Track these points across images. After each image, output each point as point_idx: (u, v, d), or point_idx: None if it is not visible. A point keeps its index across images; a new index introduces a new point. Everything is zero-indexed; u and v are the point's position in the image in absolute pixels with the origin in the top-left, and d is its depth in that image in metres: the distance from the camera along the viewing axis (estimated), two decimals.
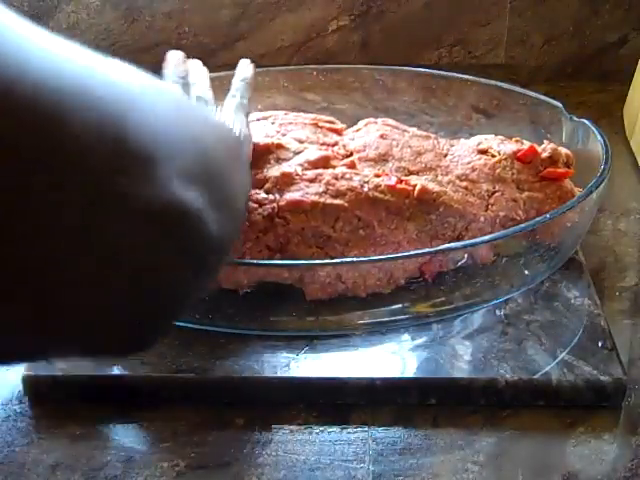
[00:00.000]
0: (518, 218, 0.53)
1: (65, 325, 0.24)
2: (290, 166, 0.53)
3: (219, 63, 0.86)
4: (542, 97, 0.64)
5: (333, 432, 0.46)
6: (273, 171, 0.52)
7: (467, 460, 0.44)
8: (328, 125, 0.59)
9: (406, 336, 0.50)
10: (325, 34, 0.87)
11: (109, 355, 0.28)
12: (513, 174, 0.55)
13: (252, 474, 0.43)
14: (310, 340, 0.50)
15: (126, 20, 0.87)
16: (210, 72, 0.62)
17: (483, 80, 0.67)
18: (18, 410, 0.48)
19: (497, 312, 0.51)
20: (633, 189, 0.67)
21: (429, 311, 0.50)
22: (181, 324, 0.47)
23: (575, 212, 0.50)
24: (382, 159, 0.55)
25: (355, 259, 0.49)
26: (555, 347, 0.48)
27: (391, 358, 0.49)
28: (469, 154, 0.56)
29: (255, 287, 0.50)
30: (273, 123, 0.58)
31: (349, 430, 0.46)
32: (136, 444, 0.45)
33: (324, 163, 0.54)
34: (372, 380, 0.47)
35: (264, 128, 0.57)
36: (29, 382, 0.48)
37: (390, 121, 0.60)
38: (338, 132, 0.59)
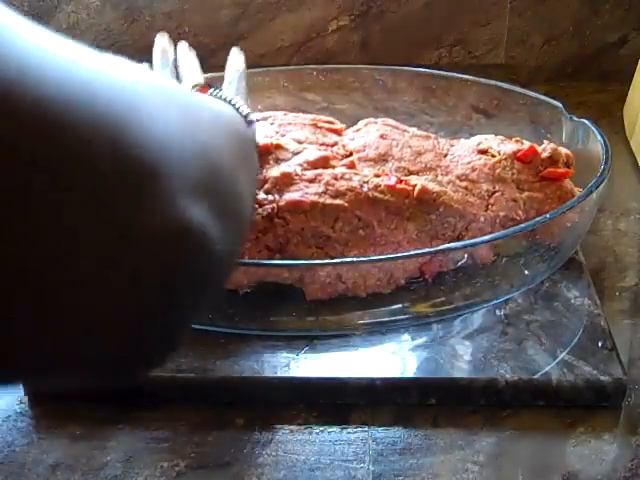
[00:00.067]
0: (518, 218, 0.53)
1: (65, 325, 0.24)
2: (289, 166, 0.53)
3: (219, 63, 0.86)
4: (542, 97, 0.64)
5: (333, 432, 0.46)
6: (272, 171, 0.52)
7: (467, 460, 0.44)
8: (327, 125, 0.59)
9: (406, 336, 0.50)
10: (325, 34, 0.87)
11: (111, 367, 0.28)
12: (513, 174, 0.55)
13: (252, 474, 0.43)
14: (310, 340, 0.50)
15: (126, 20, 0.87)
16: (210, 72, 0.62)
17: (483, 80, 0.67)
18: (18, 410, 0.48)
19: (497, 312, 0.51)
20: (633, 189, 0.67)
21: (429, 311, 0.50)
22: None
23: (575, 212, 0.50)
24: (382, 159, 0.55)
25: (355, 259, 0.49)
26: (555, 347, 0.48)
27: (391, 358, 0.49)
28: (469, 154, 0.56)
29: (255, 287, 0.50)
30: (272, 124, 0.58)
31: (349, 430, 0.46)
32: (136, 444, 0.45)
33: (323, 163, 0.54)
34: (372, 380, 0.47)
35: (263, 129, 0.57)
36: (29, 384, 0.48)
37: (390, 121, 0.60)
38: (338, 132, 0.59)
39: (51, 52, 0.24)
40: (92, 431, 0.46)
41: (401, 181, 0.53)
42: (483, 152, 0.56)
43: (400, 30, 0.87)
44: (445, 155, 0.57)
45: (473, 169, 0.55)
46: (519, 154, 0.56)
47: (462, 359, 0.48)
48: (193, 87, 0.48)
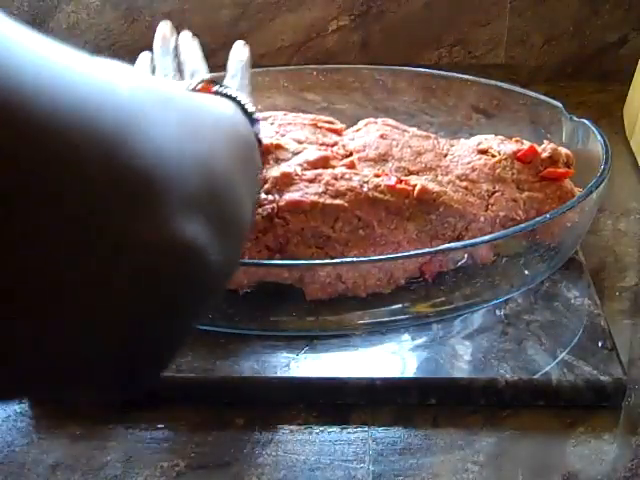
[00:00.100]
0: (518, 218, 0.53)
1: (65, 325, 0.24)
2: (289, 166, 0.53)
3: (219, 63, 0.86)
4: (542, 97, 0.64)
5: (333, 432, 0.46)
6: (272, 171, 0.52)
7: (467, 460, 0.44)
8: (327, 125, 0.59)
9: (406, 336, 0.50)
10: (325, 34, 0.87)
11: (112, 369, 0.27)
12: (513, 174, 0.55)
13: (252, 474, 0.43)
14: (310, 340, 0.50)
15: (126, 20, 0.87)
16: (210, 72, 0.62)
17: (483, 80, 0.67)
18: (18, 410, 0.48)
19: (497, 312, 0.51)
20: (633, 189, 0.67)
21: (429, 311, 0.50)
22: None
23: (575, 212, 0.50)
24: (382, 159, 0.55)
25: (355, 259, 0.49)
26: (555, 347, 0.48)
27: (391, 358, 0.49)
28: (469, 154, 0.56)
29: (255, 287, 0.50)
30: (272, 124, 0.58)
31: (349, 430, 0.46)
32: (136, 444, 0.45)
33: (323, 163, 0.54)
34: (372, 380, 0.47)
35: (263, 129, 0.57)
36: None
37: (390, 121, 0.60)
38: (337, 132, 0.59)
39: (49, 60, 0.23)
40: (92, 431, 0.46)
41: (401, 181, 0.53)
42: (483, 152, 0.56)
43: (400, 30, 0.87)
44: (445, 155, 0.57)
45: (473, 169, 0.55)
46: (519, 154, 0.56)
47: (462, 359, 0.48)
48: (197, 84, 0.47)
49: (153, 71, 0.56)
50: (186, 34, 0.57)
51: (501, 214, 0.52)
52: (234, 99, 0.45)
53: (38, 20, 0.86)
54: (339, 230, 0.50)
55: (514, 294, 0.52)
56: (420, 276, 0.50)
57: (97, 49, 0.87)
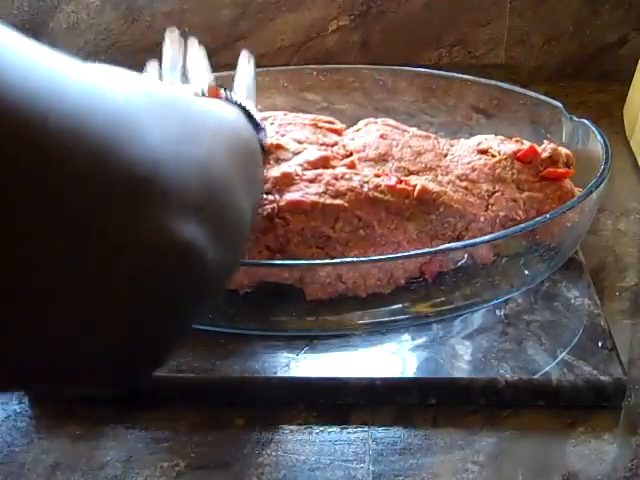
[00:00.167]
0: (518, 218, 0.53)
1: (65, 325, 0.24)
2: (290, 166, 0.53)
3: (219, 63, 0.86)
4: (542, 97, 0.64)
5: (333, 432, 0.46)
6: (273, 171, 0.52)
7: (467, 460, 0.44)
8: (328, 125, 0.59)
9: (406, 336, 0.50)
10: (325, 34, 0.87)
11: (111, 368, 0.28)
12: (513, 174, 0.55)
13: (252, 474, 0.43)
14: (310, 340, 0.50)
15: (126, 20, 0.87)
16: (211, 72, 0.62)
17: (483, 80, 0.67)
18: (18, 410, 0.48)
19: (497, 312, 0.51)
20: (633, 189, 0.67)
21: (429, 311, 0.50)
22: None
23: (575, 212, 0.50)
24: (382, 159, 0.55)
25: (355, 259, 0.49)
26: (555, 347, 0.48)
27: (391, 358, 0.49)
28: (469, 154, 0.56)
29: (255, 287, 0.50)
30: (272, 124, 0.58)
31: (349, 430, 0.46)
32: (136, 444, 0.45)
33: (324, 163, 0.54)
34: (372, 380, 0.47)
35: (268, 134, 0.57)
36: (30, 392, 0.48)
37: (390, 121, 0.60)
38: (338, 132, 0.59)
39: (40, 64, 0.24)
40: (92, 431, 0.46)
41: (401, 181, 0.53)
42: (483, 152, 0.56)
43: (400, 30, 0.87)
44: (445, 155, 0.57)
45: (473, 169, 0.55)
46: (519, 154, 0.56)
47: (462, 359, 0.48)
48: (205, 89, 0.47)
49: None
50: (193, 42, 0.56)
51: (501, 214, 0.52)
52: (240, 105, 0.45)
53: (38, 20, 0.86)
54: (339, 230, 0.50)
55: (514, 294, 0.52)
56: (420, 276, 0.50)
57: (97, 49, 0.87)
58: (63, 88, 0.24)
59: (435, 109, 0.68)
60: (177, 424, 0.46)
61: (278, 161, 0.53)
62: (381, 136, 0.57)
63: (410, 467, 0.43)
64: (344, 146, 0.57)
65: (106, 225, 0.24)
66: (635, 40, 0.85)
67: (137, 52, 0.88)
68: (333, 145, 0.57)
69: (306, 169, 0.53)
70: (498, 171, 0.55)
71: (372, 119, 0.60)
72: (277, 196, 0.51)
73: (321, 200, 0.50)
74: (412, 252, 0.50)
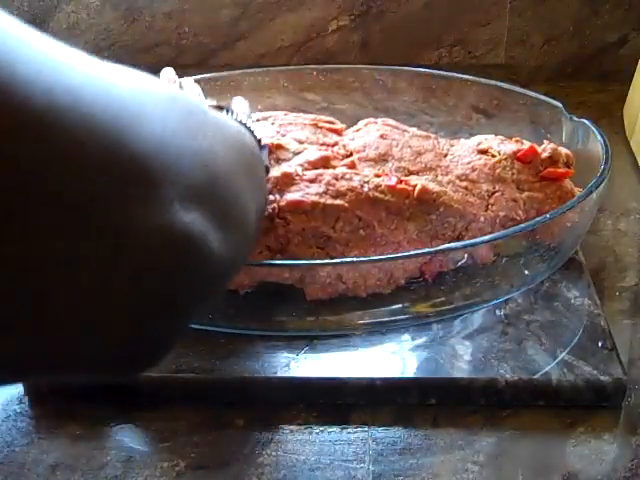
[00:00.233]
0: (518, 218, 0.53)
1: (65, 325, 0.24)
2: (290, 166, 0.53)
3: (219, 63, 0.86)
4: (542, 97, 0.64)
5: (333, 432, 0.46)
6: (273, 171, 0.52)
7: (467, 460, 0.44)
8: (328, 125, 0.59)
9: (406, 336, 0.50)
10: (325, 34, 0.87)
11: (110, 366, 0.28)
12: (513, 174, 0.55)
13: (252, 474, 0.43)
14: (310, 340, 0.50)
15: (126, 20, 0.87)
16: (210, 72, 0.62)
17: (483, 80, 0.67)
18: (18, 410, 0.48)
19: (497, 312, 0.51)
20: (633, 189, 0.67)
21: (429, 311, 0.50)
22: None
23: (575, 212, 0.50)
24: (382, 159, 0.55)
25: (355, 259, 0.49)
26: (555, 347, 0.48)
27: (391, 358, 0.49)
28: (469, 154, 0.56)
29: (255, 287, 0.50)
30: (273, 124, 0.58)
31: (349, 430, 0.46)
32: (136, 444, 0.45)
33: (324, 163, 0.54)
34: (372, 380, 0.47)
35: (264, 129, 0.57)
36: (29, 382, 0.48)
37: (390, 121, 0.60)
38: (338, 132, 0.59)
39: (46, 56, 0.24)
40: (92, 431, 0.46)
41: (401, 181, 0.53)
42: (483, 152, 0.56)
43: (400, 30, 0.87)
44: (445, 155, 0.57)
45: (473, 169, 0.55)
46: (519, 154, 0.56)
47: (462, 359, 0.48)
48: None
49: None
50: (188, 80, 0.56)
51: (501, 214, 0.52)
52: (241, 122, 0.45)
53: (38, 20, 0.86)
54: (340, 230, 0.50)
55: (514, 294, 0.52)
56: (420, 276, 0.50)
57: (97, 49, 0.87)
58: (68, 81, 0.24)
59: (435, 109, 0.68)
60: (177, 424, 0.46)
61: (278, 161, 0.53)
62: (381, 136, 0.57)
63: (410, 467, 0.43)
64: (344, 146, 0.57)
65: (106, 224, 0.24)
66: (635, 40, 0.85)
67: (137, 52, 0.88)
68: (333, 145, 0.57)
69: (306, 169, 0.53)
70: (498, 171, 0.55)
71: (372, 119, 0.60)
72: (277, 196, 0.51)
73: (321, 200, 0.50)
74: (412, 252, 0.50)
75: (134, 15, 0.86)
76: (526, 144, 0.57)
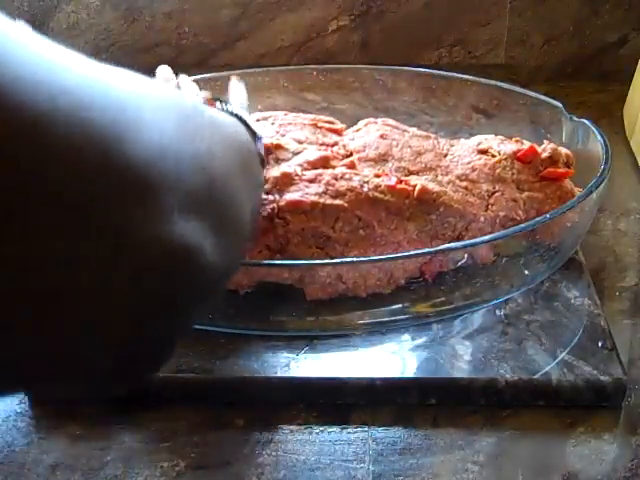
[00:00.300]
0: (518, 218, 0.53)
1: (65, 325, 0.24)
2: (290, 166, 0.53)
3: (219, 63, 0.86)
4: (542, 97, 0.64)
5: (333, 432, 0.46)
6: (273, 171, 0.52)
7: (467, 460, 0.44)
8: (328, 125, 0.59)
9: (406, 336, 0.50)
10: (325, 34, 0.87)
11: (111, 369, 0.27)
12: (513, 174, 0.55)
13: (252, 474, 0.43)
14: (310, 340, 0.50)
15: (126, 20, 0.87)
16: (210, 72, 0.62)
17: (483, 80, 0.67)
18: (18, 410, 0.48)
19: (497, 312, 0.51)
20: (633, 189, 0.67)
21: (429, 311, 0.50)
22: None
23: (575, 212, 0.50)
24: (382, 159, 0.55)
25: (355, 259, 0.49)
26: (555, 347, 0.48)
27: (391, 358, 0.49)
28: (469, 154, 0.56)
29: (255, 287, 0.50)
30: (272, 124, 0.58)
31: (349, 430, 0.46)
32: (136, 444, 0.45)
33: (324, 163, 0.54)
34: (372, 380, 0.47)
35: (263, 129, 0.57)
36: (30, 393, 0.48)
37: (390, 121, 0.60)
38: (338, 132, 0.59)
39: (44, 58, 0.23)
40: (92, 431, 0.46)
41: (401, 181, 0.53)
42: (483, 152, 0.56)
43: (400, 30, 0.87)
44: (445, 155, 0.57)
45: (473, 169, 0.55)
46: (519, 154, 0.56)
47: (462, 359, 0.48)
48: (201, 100, 0.47)
49: None
50: (184, 77, 0.56)
51: (501, 214, 0.52)
52: (236, 116, 0.45)
53: (38, 20, 0.86)
54: (339, 230, 0.50)
55: (514, 294, 0.52)
56: (420, 276, 0.50)
57: (97, 49, 0.87)
58: (66, 83, 0.24)
59: (435, 109, 0.68)
60: (177, 424, 0.46)
61: (278, 161, 0.53)
62: (381, 136, 0.57)
63: (410, 467, 0.43)
64: (344, 146, 0.57)
65: (106, 225, 0.24)
66: (635, 40, 0.85)
67: (137, 52, 0.88)
68: (333, 145, 0.57)
69: (306, 169, 0.53)
70: (498, 171, 0.55)
71: (372, 119, 0.60)
72: (277, 196, 0.51)
73: (321, 200, 0.50)
74: (412, 252, 0.50)
75: (134, 15, 0.86)
76: (526, 144, 0.57)
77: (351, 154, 0.56)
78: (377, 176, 0.53)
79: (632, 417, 0.46)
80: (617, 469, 0.43)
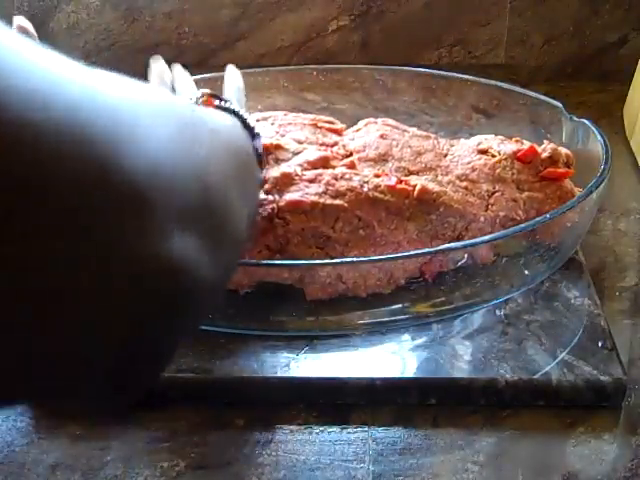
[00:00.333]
0: (518, 218, 0.53)
1: (65, 325, 0.24)
2: (289, 166, 0.53)
3: (219, 63, 0.86)
4: (542, 97, 0.64)
5: (333, 432, 0.46)
6: (272, 171, 0.52)
7: (467, 460, 0.44)
8: (327, 125, 0.59)
9: (406, 336, 0.50)
10: (325, 34, 0.87)
11: (112, 370, 0.27)
12: (513, 174, 0.55)
13: (252, 474, 0.43)
14: (310, 340, 0.50)
15: (126, 20, 0.87)
16: (210, 72, 0.62)
17: (483, 80, 0.67)
18: (18, 410, 0.48)
19: (497, 312, 0.51)
20: (633, 189, 0.67)
21: (429, 311, 0.50)
22: None
23: (575, 212, 0.50)
24: (382, 159, 0.55)
25: (355, 259, 0.49)
26: (555, 347, 0.48)
27: (391, 358, 0.49)
28: (469, 154, 0.56)
29: (255, 287, 0.50)
30: (272, 124, 0.58)
31: (349, 430, 0.46)
32: (136, 444, 0.45)
33: (324, 163, 0.54)
34: (372, 380, 0.47)
35: (263, 129, 0.57)
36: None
37: (390, 121, 0.60)
38: (338, 132, 0.59)
39: (39, 66, 0.23)
40: (92, 431, 0.46)
41: (401, 181, 0.53)
42: (483, 152, 0.56)
43: (400, 30, 0.87)
44: (445, 155, 0.57)
45: (473, 169, 0.55)
46: (519, 154, 0.56)
47: (462, 359, 0.48)
48: (200, 97, 0.47)
49: None
50: (178, 67, 0.56)
51: (501, 214, 0.52)
52: (236, 113, 0.45)
53: (38, 20, 0.86)
54: (339, 230, 0.50)
55: (514, 294, 0.52)
56: (420, 276, 0.50)
57: (97, 49, 0.87)
58: (62, 90, 0.24)
59: (435, 109, 0.68)
60: (177, 424, 0.46)
61: (278, 161, 0.53)
62: (381, 136, 0.57)
63: (410, 467, 0.43)
64: (344, 146, 0.57)
65: (102, 238, 0.24)
66: (635, 40, 0.85)
67: (137, 52, 0.88)
68: (333, 145, 0.57)
69: (306, 169, 0.53)
70: (498, 171, 0.55)
71: (372, 119, 0.60)
72: (277, 196, 0.51)
73: (321, 200, 0.50)
74: (412, 252, 0.50)
75: (134, 15, 0.86)
76: (526, 144, 0.57)
77: (351, 154, 0.56)
78: (377, 176, 0.53)
79: (632, 417, 0.46)
80: (617, 469, 0.43)
